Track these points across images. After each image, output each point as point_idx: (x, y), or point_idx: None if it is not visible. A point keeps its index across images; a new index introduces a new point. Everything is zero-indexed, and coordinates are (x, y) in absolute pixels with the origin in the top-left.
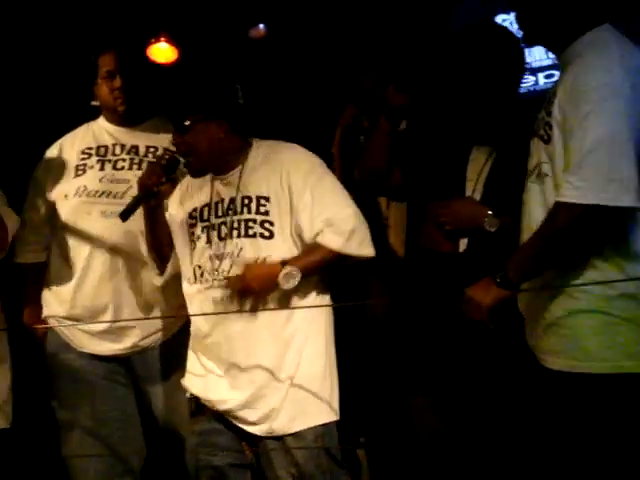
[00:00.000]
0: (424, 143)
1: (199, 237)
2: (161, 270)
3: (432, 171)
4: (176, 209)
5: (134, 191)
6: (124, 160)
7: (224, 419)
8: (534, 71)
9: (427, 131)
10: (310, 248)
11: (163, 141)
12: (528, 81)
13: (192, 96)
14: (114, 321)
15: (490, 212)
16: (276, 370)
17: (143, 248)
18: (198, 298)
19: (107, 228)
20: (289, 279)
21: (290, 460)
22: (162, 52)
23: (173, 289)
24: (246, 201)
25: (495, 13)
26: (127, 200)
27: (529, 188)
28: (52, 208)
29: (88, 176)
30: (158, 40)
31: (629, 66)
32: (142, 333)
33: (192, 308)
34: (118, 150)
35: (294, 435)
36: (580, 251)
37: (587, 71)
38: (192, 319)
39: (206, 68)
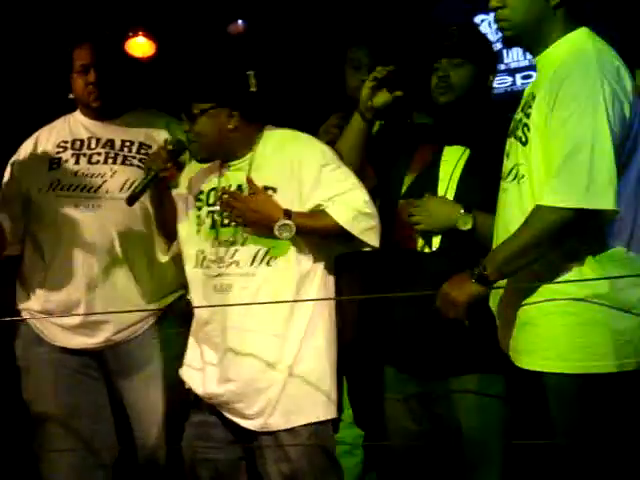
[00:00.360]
0: (397, 142)
1: (204, 221)
2: (167, 247)
3: (403, 170)
4: (184, 190)
5: (109, 185)
6: (99, 154)
7: (220, 412)
8: (512, 72)
9: (400, 130)
10: (317, 212)
11: (139, 135)
12: (506, 82)
13: (202, 84)
14: (86, 314)
15: (462, 211)
16: (272, 362)
17: (116, 243)
18: (199, 283)
19: (81, 222)
20: (283, 231)
21: (282, 456)
22: (140, 46)
23: (148, 282)
24: (251, 189)
25: (475, 13)
26: (101, 194)
27: (505, 189)
28: (26, 201)
29: (63, 170)
30: (136, 34)
31: (608, 70)
32: (115, 328)
33: (193, 292)
34: (93, 144)
35: (289, 431)
36: (557, 251)
37: (567, 75)
38: (193, 304)
39: (217, 56)
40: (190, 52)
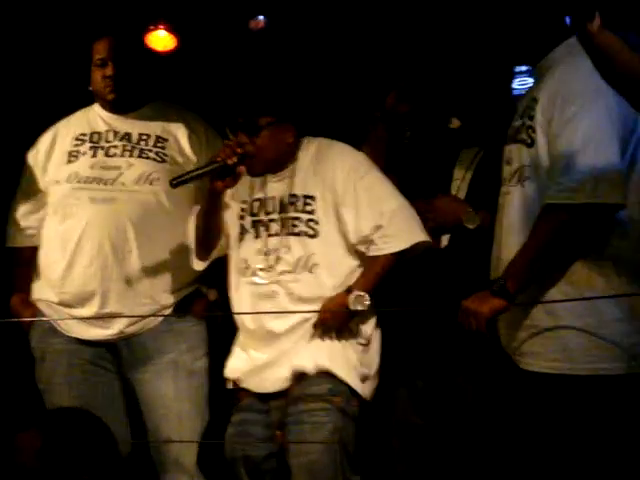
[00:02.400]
0: (418, 147)
1: (247, 231)
2: (201, 257)
3: (421, 172)
4: (229, 199)
5: (125, 178)
6: (116, 147)
7: (259, 407)
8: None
9: (421, 135)
10: (368, 265)
11: (156, 129)
12: (527, 83)
13: (268, 99)
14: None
15: (470, 209)
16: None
17: (131, 236)
18: (243, 291)
19: (96, 214)
20: (358, 302)
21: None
22: (160, 40)
23: (163, 274)
24: (293, 199)
25: None
26: (117, 187)
27: (508, 192)
28: (44, 193)
29: (80, 162)
30: (157, 28)
31: None
32: (129, 320)
33: (236, 300)
34: (111, 137)
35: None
36: (572, 253)
37: (572, 74)
38: (233, 310)
39: (282, 71)
40: (212, 47)
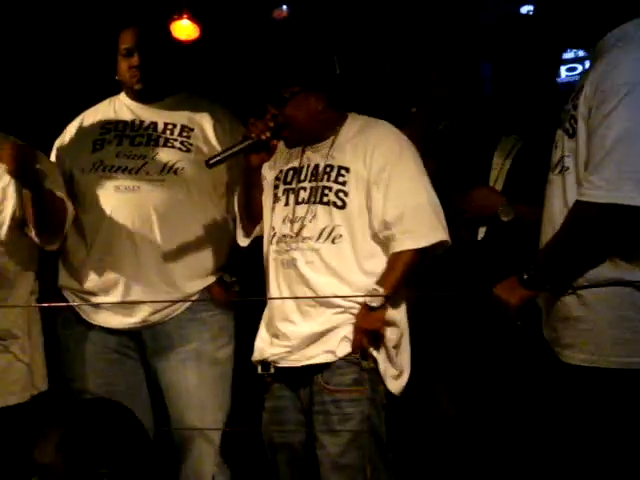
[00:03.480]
0: (457, 134)
1: (279, 199)
2: (247, 231)
3: (460, 161)
4: (266, 169)
5: (149, 167)
6: (142, 136)
7: (289, 393)
8: (581, 60)
9: (460, 122)
10: (390, 262)
11: (182, 118)
12: (576, 70)
13: (291, 68)
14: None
15: (505, 202)
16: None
17: (155, 225)
18: (270, 259)
19: (120, 203)
20: (376, 299)
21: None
22: (184, 29)
23: (186, 263)
24: (328, 169)
25: (519, 4)
26: (142, 176)
27: (551, 181)
28: (70, 181)
29: (105, 151)
30: (180, 17)
31: None
32: (152, 308)
33: (265, 268)
34: (137, 126)
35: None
36: (604, 249)
37: (614, 67)
38: (268, 284)
39: (304, 40)
40: (236, 36)
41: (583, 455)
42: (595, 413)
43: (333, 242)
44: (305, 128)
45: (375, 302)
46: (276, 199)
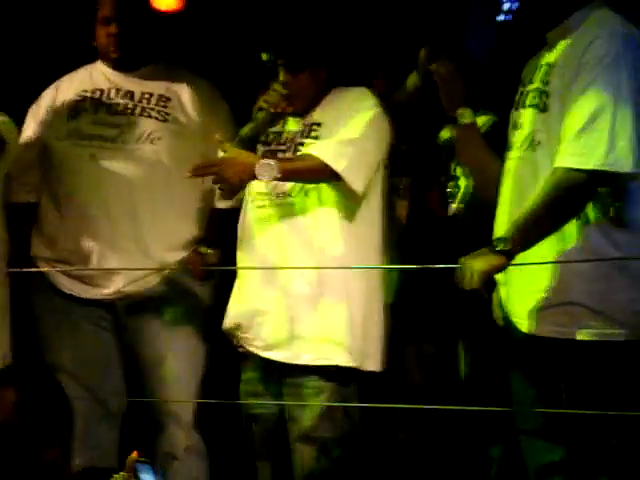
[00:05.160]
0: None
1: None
2: (228, 194)
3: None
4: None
5: (126, 136)
6: (118, 105)
7: (265, 367)
8: None
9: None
10: (300, 155)
11: (160, 88)
12: None
13: (311, 41)
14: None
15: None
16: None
17: (131, 194)
18: (244, 216)
19: (96, 172)
20: (265, 170)
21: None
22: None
23: (163, 234)
24: (304, 127)
25: None
26: (118, 145)
27: (513, 157)
28: (44, 149)
29: (81, 119)
30: None
31: (631, 39)
32: (127, 279)
33: (239, 227)
34: (113, 94)
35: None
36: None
37: (591, 41)
38: (240, 229)
39: (326, 15)
40: (220, 8)
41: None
42: (562, 384)
43: (306, 195)
44: (311, 101)
45: (266, 174)
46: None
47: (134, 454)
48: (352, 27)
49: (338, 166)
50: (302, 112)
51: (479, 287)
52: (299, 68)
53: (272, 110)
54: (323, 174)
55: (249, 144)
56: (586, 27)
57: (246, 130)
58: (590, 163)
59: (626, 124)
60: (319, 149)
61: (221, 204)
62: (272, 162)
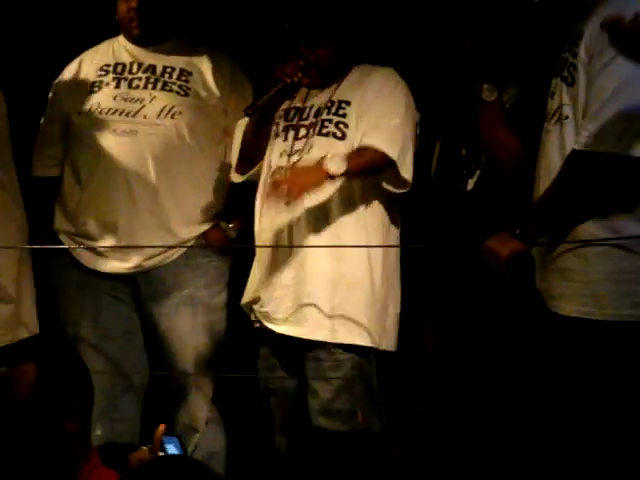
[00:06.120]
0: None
1: (279, 135)
2: (241, 169)
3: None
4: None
5: (147, 110)
6: (140, 79)
7: (280, 343)
8: None
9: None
10: (357, 151)
11: (181, 62)
12: None
13: (329, 16)
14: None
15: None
16: (324, 275)
17: (151, 169)
18: (263, 192)
19: (117, 146)
20: (335, 163)
21: (324, 384)
22: None
23: (183, 209)
24: (329, 104)
25: None
26: (139, 119)
27: (548, 130)
28: (67, 123)
29: (103, 93)
30: None
31: None
32: (147, 253)
33: (257, 204)
34: (135, 68)
35: (331, 352)
36: (599, 200)
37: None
38: (256, 221)
39: None
40: None
41: (575, 404)
42: (587, 364)
43: None
44: (327, 75)
45: (335, 168)
46: (275, 136)
47: (161, 427)
48: (373, 4)
49: (393, 154)
50: (320, 85)
51: (502, 270)
52: (317, 42)
53: (288, 81)
54: (382, 163)
55: (263, 115)
56: None
57: (261, 101)
58: (603, 146)
59: None
60: (374, 139)
61: (235, 178)
62: (336, 157)
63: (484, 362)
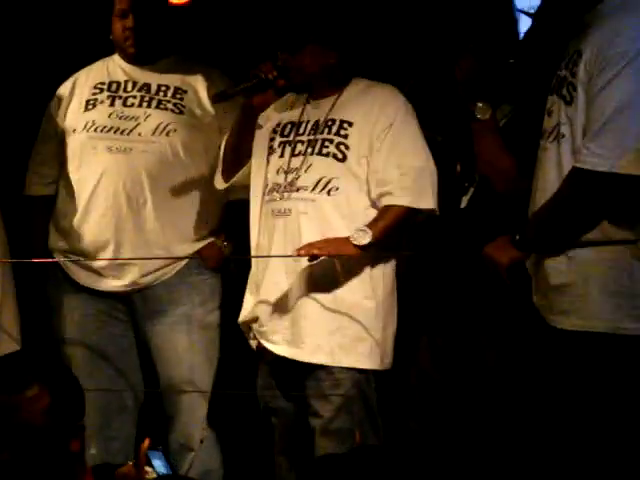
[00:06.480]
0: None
1: (274, 150)
2: (227, 175)
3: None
4: (263, 118)
5: (142, 128)
6: (135, 97)
7: (281, 362)
8: None
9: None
10: (380, 214)
11: (176, 80)
12: None
13: (309, 19)
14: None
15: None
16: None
17: (146, 187)
18: (259, 210)
19: (112, 164)
20: (360, 236)
21: (323, 404)
22: None
23: (178, 226)
24: (329, 123)
25: None
26: (134, 137)
27: (545, 148)
28: (62, 141)
29: (97, 111)
30: None
31: None
32: (142, 271)
33: (252, 221)
34: (130, 87)
35: (331, 374)
36: (598, 217)
37: (617, 34)
38: (252, 239)
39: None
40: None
41: (574, 417)
42: (586, 377)
43: (329, 194)
44: (313, 73)
45: (362, 239)
46: (271, 151)
47: (146, 442)
48: (364, 12)
49: (424, 205)
50: (301, 88)
51: (502, 276)
52: (298, 46)
53: (262, 76)
54: (410, 216)
55: (246, 117)
56: (618, 15)
57: (231, 90)
58: (605, 165)
59: None
60: (400, 198)
61: (219, 185)
62: (365, 229)
63: (480, 379)
